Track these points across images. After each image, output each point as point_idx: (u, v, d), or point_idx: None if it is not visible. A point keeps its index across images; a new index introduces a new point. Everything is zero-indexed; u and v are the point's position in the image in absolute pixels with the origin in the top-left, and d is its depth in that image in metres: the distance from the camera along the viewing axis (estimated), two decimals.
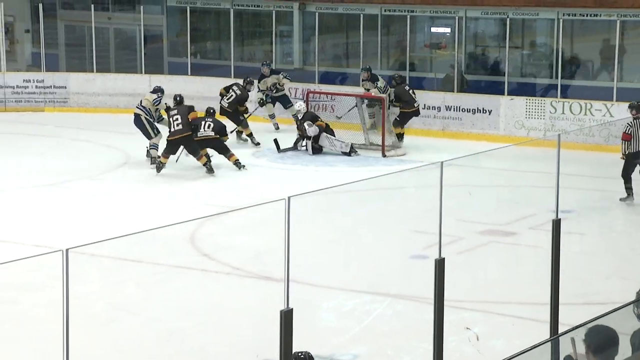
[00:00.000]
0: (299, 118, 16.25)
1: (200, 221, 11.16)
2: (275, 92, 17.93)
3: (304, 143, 16.15)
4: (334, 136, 16.13)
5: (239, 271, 10.04)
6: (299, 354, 5.70)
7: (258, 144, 16.64)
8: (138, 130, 15.25)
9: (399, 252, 10.43)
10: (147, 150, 15.24)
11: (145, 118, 15.09)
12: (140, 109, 15.18)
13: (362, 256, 10.25)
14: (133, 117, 15.25)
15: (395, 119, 16.87)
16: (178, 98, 14.95)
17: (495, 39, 19.21)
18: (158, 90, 15.42)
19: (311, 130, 15.92)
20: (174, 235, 10.14)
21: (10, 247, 10.49)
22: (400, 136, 16.77)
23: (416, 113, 16.97)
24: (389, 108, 16.75)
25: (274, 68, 18.38)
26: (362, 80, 17.83)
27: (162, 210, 12.28)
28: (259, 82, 17.76)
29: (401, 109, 16.86)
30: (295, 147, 16.25)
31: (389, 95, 16.96)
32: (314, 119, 16.13)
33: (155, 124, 15.24)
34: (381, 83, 17.44)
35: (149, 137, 15.10)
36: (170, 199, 13.06)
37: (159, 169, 14.55)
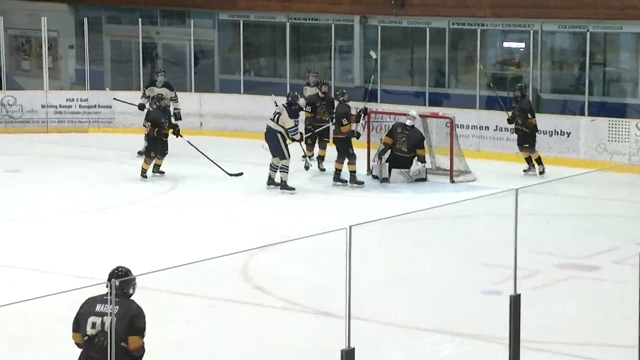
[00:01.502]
0: (401, 136, 15.63)
1: (253, 251, 11.18)
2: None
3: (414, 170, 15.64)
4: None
5: (296, 306, 10.03)
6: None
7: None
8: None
9: (470, 287, 10.34)
10: (269, 176, 15.12)
11: (282, 135, 15.03)
12: (277, 123, 15.06)
13: (429, 291, 10.18)
14: (267, 129, 15.14)
15: (522, 143, 16.24)
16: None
17: (574, 55, 19.06)
18: (293, 116, 15.23)
19: (419, 167, 15.70)
20: (226, 267, 10.18)
21: (51, 279, 10.61)
22: (539, 160, 16.18)
23: (537, 128, 16.45)
24: (515, 119, 16.16)
25: (167, 81, 17.93)
26: (307, 86, 17.54)
27: (212, 239, 12.34)
28: (145, 89, 17.64)
29: (533, 125, 16.18)
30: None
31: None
32: (419, 142, 15.72)
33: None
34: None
35: (282, 157, 15.03)
36: (221, 226, 13.12)
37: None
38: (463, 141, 17.06)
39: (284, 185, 15.04)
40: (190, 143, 15.99)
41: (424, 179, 15.84)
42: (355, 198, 14.92)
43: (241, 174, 15.80)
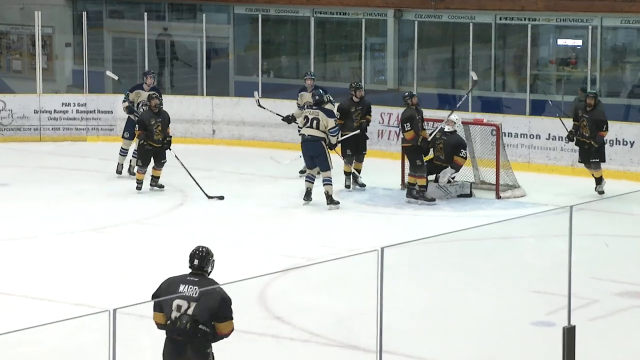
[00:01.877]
0: (439, 142, 15.69)
1: (271, 276, 11.21)
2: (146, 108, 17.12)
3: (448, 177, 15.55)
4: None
5: (319, 338, 10.05)
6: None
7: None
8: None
9: (518, 318, 10.33)
10: (307, 190, 15.13)
11: (325, 142, 15.03)
12: (320, 130, 15.00)
13: (471, 322, 10.18)
14: (307, 139, 15.10)
15: (590, 157, 15.64)
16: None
17: (638, 54, 19.02)
18: (331, 116, 15.14)
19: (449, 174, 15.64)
20: (241, 293, 10.20)
21: (46, 306, 10.68)
22: (601, 179, 15.71)
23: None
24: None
25: (156, 85, 17.55)
26: (304, 91, 17.00)
27: (225, 263, 12.34)
28: (130, 92, 17.24)
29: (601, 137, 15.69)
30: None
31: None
32: (456, 148, 15.57)
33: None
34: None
35: (327, 168, 15.04)
36: (235, 248, 13.17)
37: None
38: (511, 151, 17.05)
39: (331, 200, 15.07)
40: (177, 158, 15.93)
41: (469, 195, 15.82)
42: (388, 216, 14.94)
43: (222, 197, 15.62)
